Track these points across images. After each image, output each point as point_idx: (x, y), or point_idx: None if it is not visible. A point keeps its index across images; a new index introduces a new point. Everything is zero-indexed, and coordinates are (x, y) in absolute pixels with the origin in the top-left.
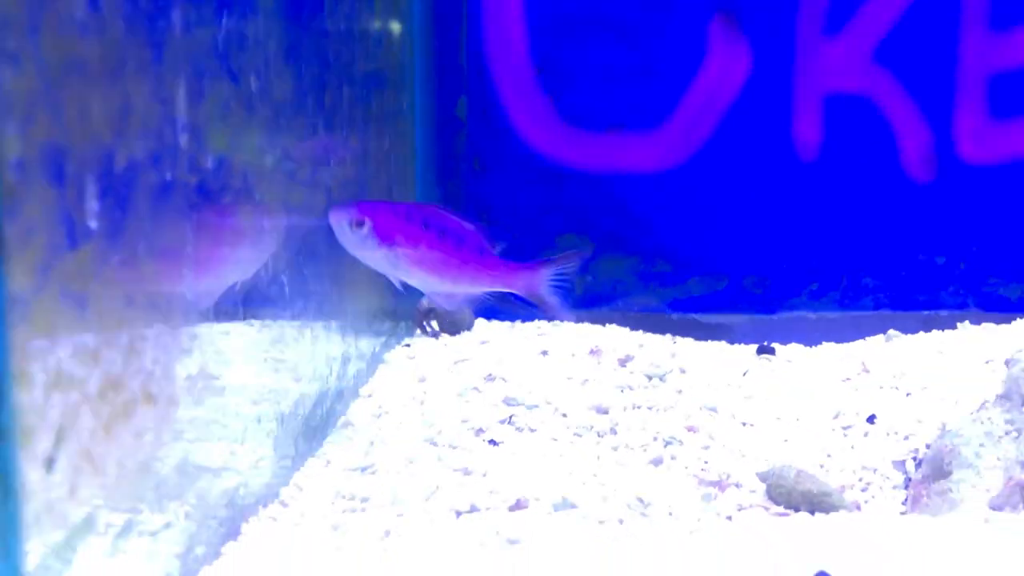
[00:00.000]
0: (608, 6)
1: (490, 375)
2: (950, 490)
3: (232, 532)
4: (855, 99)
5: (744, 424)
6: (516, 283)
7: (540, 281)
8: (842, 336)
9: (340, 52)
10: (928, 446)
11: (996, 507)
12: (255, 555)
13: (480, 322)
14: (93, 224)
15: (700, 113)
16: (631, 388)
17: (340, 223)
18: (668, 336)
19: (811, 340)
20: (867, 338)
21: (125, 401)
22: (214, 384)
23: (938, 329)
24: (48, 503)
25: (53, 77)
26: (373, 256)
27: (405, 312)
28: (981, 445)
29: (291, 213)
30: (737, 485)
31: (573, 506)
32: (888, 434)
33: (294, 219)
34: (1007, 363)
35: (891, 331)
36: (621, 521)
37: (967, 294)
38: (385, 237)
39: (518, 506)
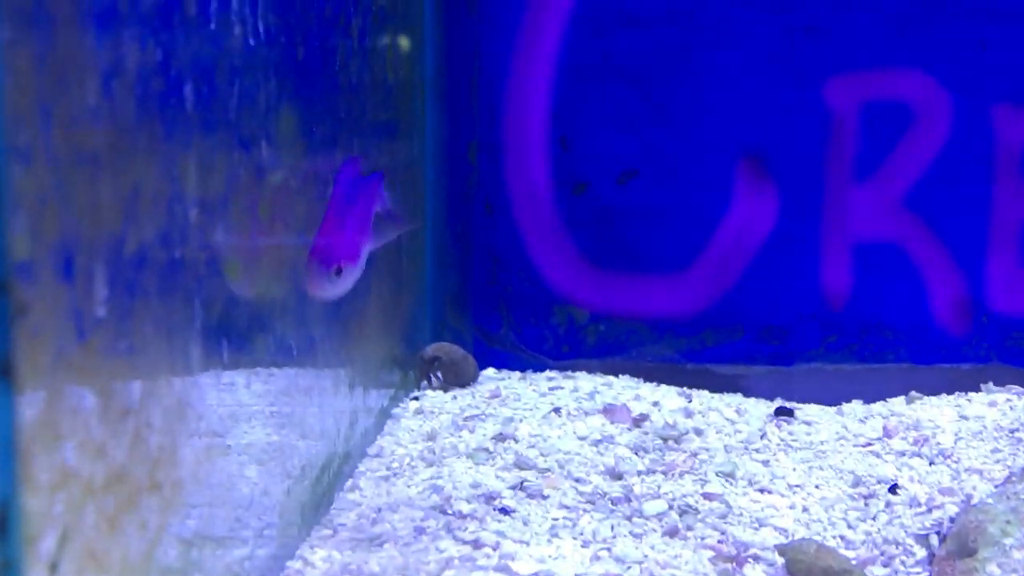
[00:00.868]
0: (630, 146)
1: (501, 434)
2: (975, 569)
3: None
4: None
5: (762, 491)
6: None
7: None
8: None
9: (351, 107)
10: (952, 520)
11: None
12: None
13: (490, 371)
14: (101, 312)
15: (725, 258)
16: (645, 451)
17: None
18: (683, 389)
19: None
20: (888, 399)
21: (130, 492)
22: (220, 444)
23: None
24: None
25: (64, 169)
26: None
27: (412, 362)
28: (1007, 522)
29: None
30: (755, 559)
31: None
32: (910, 505)
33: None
34: None
35: (912, 392)
36: None
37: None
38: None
39: None
